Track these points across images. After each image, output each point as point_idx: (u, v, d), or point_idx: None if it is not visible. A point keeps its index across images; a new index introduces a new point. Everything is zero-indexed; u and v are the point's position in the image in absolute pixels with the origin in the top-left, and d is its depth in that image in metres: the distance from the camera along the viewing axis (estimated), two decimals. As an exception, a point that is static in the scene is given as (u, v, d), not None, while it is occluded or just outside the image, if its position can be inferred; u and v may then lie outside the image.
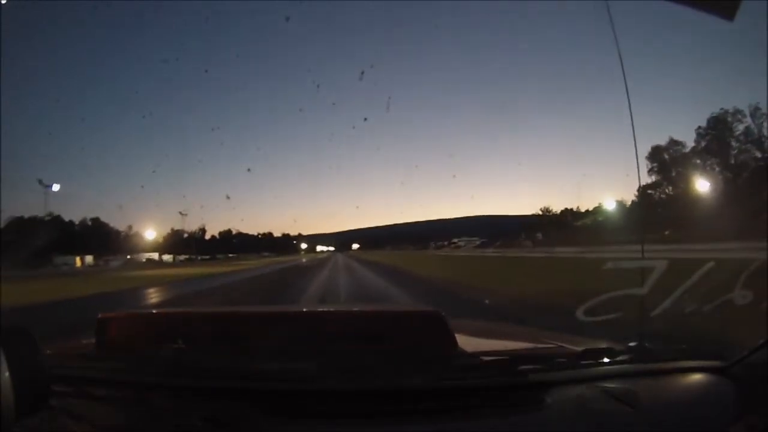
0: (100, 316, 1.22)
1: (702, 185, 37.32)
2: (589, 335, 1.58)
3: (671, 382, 1.07)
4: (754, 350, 1.05)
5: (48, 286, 16.35)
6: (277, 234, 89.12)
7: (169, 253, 58.12)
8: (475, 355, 1.14)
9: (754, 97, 35.95)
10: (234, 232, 76.64)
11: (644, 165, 41.79)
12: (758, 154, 37.24)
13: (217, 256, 63.88)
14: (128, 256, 52.93)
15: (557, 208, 59.96)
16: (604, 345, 1.21)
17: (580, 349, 1.14)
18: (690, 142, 41.00)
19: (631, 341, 1.19)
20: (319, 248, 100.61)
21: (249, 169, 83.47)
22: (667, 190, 41.80)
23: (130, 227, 54.75)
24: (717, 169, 38.29)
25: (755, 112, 36.47)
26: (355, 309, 1.86)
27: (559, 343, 1.32)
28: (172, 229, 57.35)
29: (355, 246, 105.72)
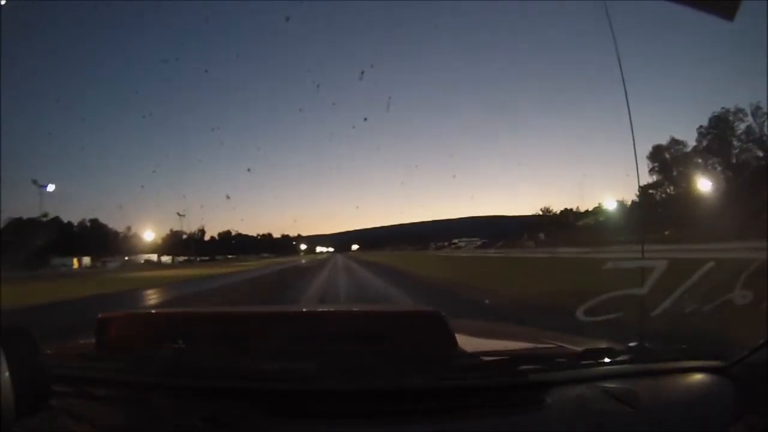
0: (100, 316, 1.22)
1: (703, 184, 37.20)
2: (588, 335, 1.58)
3: (671, 382, 1.07)
4: (754, 350, 1.05)
5: (43, 288, 16.09)
6: (276, 235, 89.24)
7: (168, 255, 58.09)
8: (475, 355, 1.14)
9: (755, 97, 36.01)
10: (233, 233, 76.74)
11: (645, 164, 41.87)
12: (760, 153, 37.21)
13: (216, 258, 63.85)
14: (126, 258, 52.87)
15: (557, 208, 60.04)
16: (604, 345, 1.21)
17: (580, 349, 1.14)
18: (691, 142, 41.03)
19: (631, 341, 1.19)
20: (318, 249, 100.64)
21: (249, 169, 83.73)
22: (668, 190, 41.74)
23: (129, 228, 54.79)
24: (718, 168, 38.24)
25: (756, 111, 36.53)
26: (355, 309, 1.86)
27: (559, 343, 1.32)
28: (171, 230, 57.38)
29: (355, 247, 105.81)
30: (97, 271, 41.84)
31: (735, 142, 38.12)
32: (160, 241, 55.43)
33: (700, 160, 40.06)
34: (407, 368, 1.02)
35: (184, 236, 59.77)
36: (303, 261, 48.06)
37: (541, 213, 60.96)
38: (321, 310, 2.16)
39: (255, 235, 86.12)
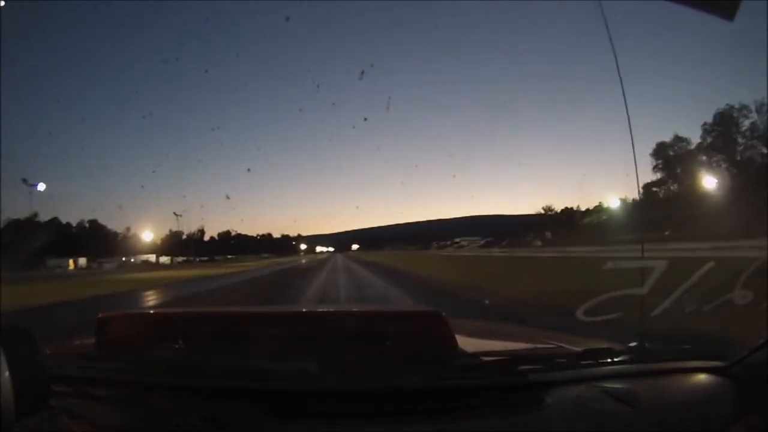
0: (100, 316, 1.22)
1: (708, 182, 36.88)
2: (596, 336, 1.57)
3: (671, 382, 1.07)
4: (754, 350, 1.05)
5: (30, 290, 15.48)
6: (276, 235, 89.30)
7: (167, 255, 58.02)
8: (475, 355, 1.14)
9: (755, 97, 35.93)
10: (233, 233, 76.73)
11: (649, 162, 41.78)
12: (764, 151, 36.99)
13: (215, 258, 63.80)
14: (123, 258, 52.75)
15: (558, 207, 59.83)
16: (604, 345, 1.21)
17: (580, 349, 1.14)
18: (694, 140, 40.85)
19: (631, 341, 1.19)
20: (318, 249, 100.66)
21: (249, 169, 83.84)
22: (672, 188, 41.59)
23: (128, 229, 54.76)
24: (723, 165, 38.00)
25: (761, 107, 36.35)
26: (355, 309, 1.86)
27: (559, 343, 1.32)
28: (171, 231, 57.33)
29: (355, 246, 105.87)
30: (92, 273, 41.50)
31: (740, 139, 38.01)
32: (159, 242, 55.47)
33: (704, 158, 39.89)
34: (407, 368, 1.02)
35: (184, 236, 59.77)
36: (303, 261, 48.02)
37: (543, 212, 60.88)
38: (321, 310, 2.16)
39: (255, 235, 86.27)
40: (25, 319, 8.46)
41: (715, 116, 39.03)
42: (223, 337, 1.20)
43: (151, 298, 14.54)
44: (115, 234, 56.15)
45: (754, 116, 37.21)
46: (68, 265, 48.03)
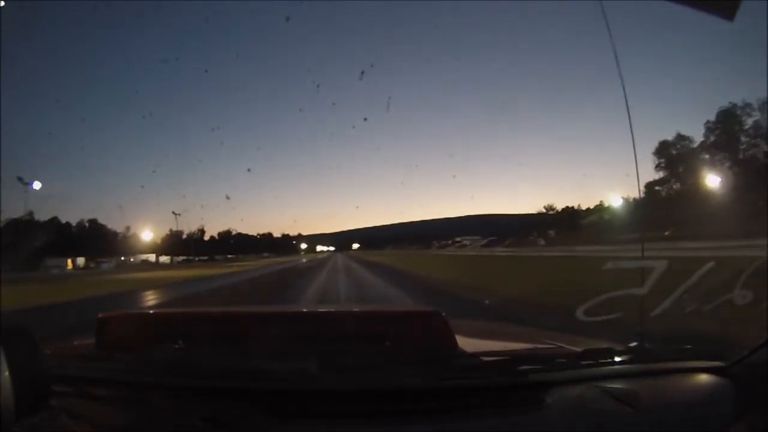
0: (100, 315, 1.22)
1: (712, 180, 36.63)
2: (596, 336, 1.57)
3: (671, 382, 1.07)
4: (754, 350, 1.05)
5: (22, 291, 14.51)
6: (276, 234, 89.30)
7: (167, 255, 58.00)
8: (475, 355, 1.14)
9: (756, 96, 35.81)
10: (233, 232, 76.73)
11: (650, 161, 41.67)
12: (767, 149, 36.83)
13: (215, 257, 63.77)
14: (122, 258, 52.60)
15: (559, 206, 59.64)
16: (604, 345, 1.21)
17: (580, 349, 1.14)
18: (697, 138, 40.67)
19: (631, 341, 1.19)
20: (319, 248, 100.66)
21: (249, 169, 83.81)
22: (675, 186, 41.37)
23: (128, 228, 54.68)
24: (726, 164, 37.83)
25: (764, 105, 36.22)
26: (355, 309, 1.87)
27: (559, 343, 1.32)
28: (171, 230, 57.32)
29: (356, 246, 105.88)
30: (90, 273, 40.98)
31: (743, 138, 37.86)
32: (159, 241, 55.44)
33: (707, 156, 39.69)
34: (407, 368, 1.02)
35: (184, 236, 59.76)
36: (303, 260, 47.94)
37: (544, 211, 60.71)
38: (321, 310, 2.16)
39: (255, 234, 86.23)
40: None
41: (718, 114, 38.96)
42: (223, 337, 1.20)
43: (142, 302, 13.73)
44: (115, 233, 56.14)
45: (758, 114, 37.18)
46: (66, 265, 47.68)
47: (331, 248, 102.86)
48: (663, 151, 41.93)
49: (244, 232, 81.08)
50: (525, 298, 7.66)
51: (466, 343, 1.18)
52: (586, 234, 39.14)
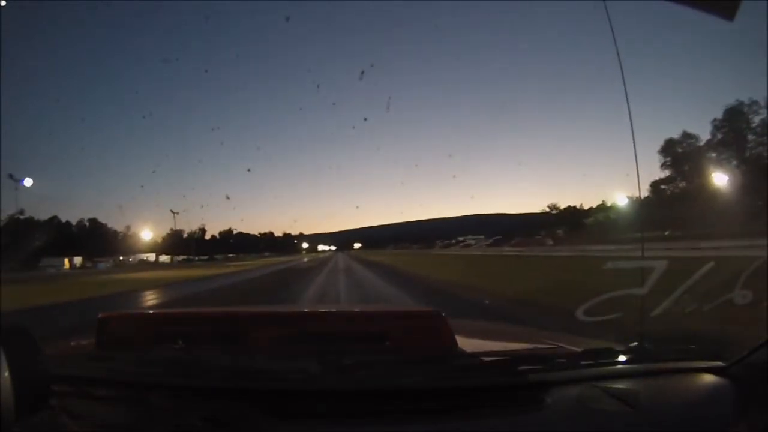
0: (100, 315, 1.22)
1: (719, 179, 35.94)
2: (597, 336, 1.57)
3: (671, 382, 1.07)
4: (754, 350, 1.05)
5: (12, 293, 13.78)
6: (278, 234, 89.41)
7: (168, 254, 57.97)
8: (475, 355, 1.14)
9: (756, 96, 35.68)
10: (234, 231, 76.76)
11: (653, 160, 41.42)
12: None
13: (215, 257, 63.75)
14: (120, 257, 52.37)
15: (561, 205, 59.44)
16: (604, 345, 1.21)
17: (580, 349, 1.14)
18: (704, 136, 40.32)
19: (631, 341, 1.19)
20: (320, 248, 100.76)
21: (249, 169, 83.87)
22: (680, 185, 41.03)
23: (128, 227, 54.61)
24: (733, 162, 37.45)
25: (769, 104, 35.70)
26: (356, 309, 1.87)
27: (559, 343, 1.32)
28: (171, 230, 57.30)
29: (357, 245, 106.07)
30: (86, 273, 40.28)
31: (750, 136, 37.53)
32: (159, 241, 55.39)
33: (713, 154, 39.30)
34: (407, 368, 1.02)
35: (185, 235, 59.75)
36: (305, 260, 47.84)
37: (548, 210, 60.49)
38: (321, 310, 2.16)
39: (256, 233, 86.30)
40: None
41: (725, 112, 38.56)
42: (223, 337, 1.20)
43: (130, 306, 12.45)
44: (115, 233, 56.09)
45: (764, 112, 36.85)
46: (63, 265, 47.05)
47: (333, 248, 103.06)
48: (669, 149, 41.64)
49: (245, 231, 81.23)
50: (551, 301, 6.64)
51: (466, 343, 1.19)
52: (593, 233, 38.65)
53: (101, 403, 1.00)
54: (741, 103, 37.56)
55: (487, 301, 8.46)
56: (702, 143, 40.40)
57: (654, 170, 41.84)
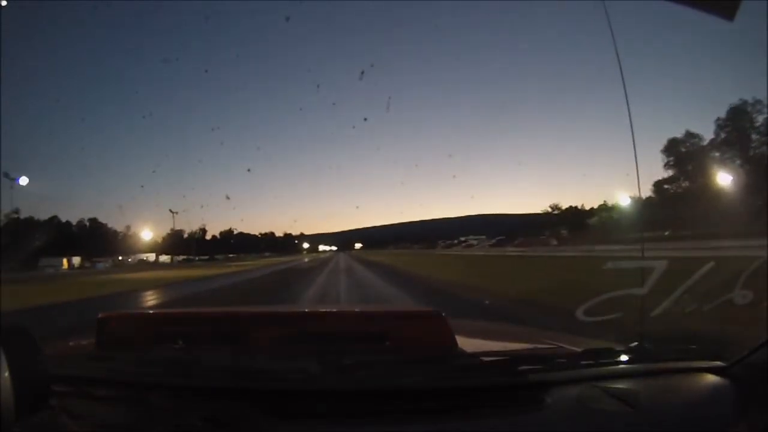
0: (100, 315, 1.22)
1: (723, 178, 35.65)
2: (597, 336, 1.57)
3: (671, 382, 1.07)
4: (754, 350, 1.05)
5: (14, 292, 13.93)
6: (278, 234, 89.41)
7: (168, 254, 57.94)
8: (475, 355, 1.14)
9: (761, 95, 35.46)
10: (235, 231, 76.76)
11: (660, 159, 41.29)
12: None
13: (216, 257, 63.73)
14: (119, 257, 52.17)
15: (563, 205, 59.19)
16: (604, 345, 1.21)
17: (580, 349, 1.14)
18: (706, 136, 40.04)
19: (631, 341, 1.19)
20: (321, 248, 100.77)
21: (249, 169, 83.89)
22: (683, 185, 40.74)
23: (128, 227, 54.55)
24: (737, 161, 37.10)
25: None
26: (356, 309, 1.87)
27: (559, 343, 1.33)
28: (172, 230, 57.29)
29: (358, 245, 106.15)
30: (84, 273, 39.94)
31: (753, 135, 37.22)
32: (160, 241, 55.36)
33: (717, 154, 38.96)
34: (407, 368, 1.03)
35: (185, 235, 59.72)
36: (305, 260, 47.78)
37: (550, 210, 60.31)
38: (321, 310, 2.16)
39: (257, 234, 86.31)
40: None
41: (728, 111, 38.30)
42: (223, 337, 1.20)
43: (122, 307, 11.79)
44: (115, 233, 56.04)
45: (767, 111, 36.50)
46: (62, 265, 46.54)
47: (334, 248, 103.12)
48: (672, 148, 41.35)
49: (245, 231, 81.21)
50: (555, 301, 6.31)
51: (466, 343, 1.19)
52: (597, 233, 38.34)
53: (101, 403, 1.00)
54: (744, 103, 37.31)
55: (487, 301, 8.42)
56: (705, 143, 40.16)
57: (655, 170, 41.76)
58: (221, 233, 75.67)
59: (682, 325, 1.61)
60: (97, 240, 52.24)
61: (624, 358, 1.12)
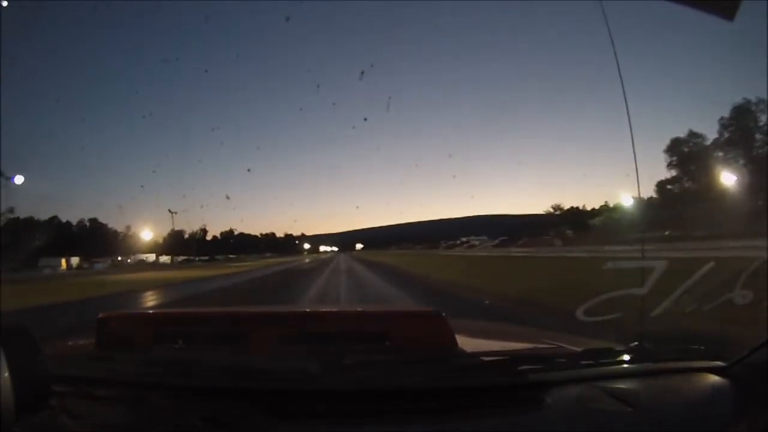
0: (100, 315, 1.22)
1: (728, 178, 35.03)
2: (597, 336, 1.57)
3: (671, 382, 1.07)
4: (754, 350, 1.05)
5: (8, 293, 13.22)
6: (279, 234, 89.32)
7: (168, 254, 57.86)
8: (475, 355, 1.14)
9: (761, 96, 35.31)
10: (236, 232, 76.73)
11: (659, 159, 41.05)
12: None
13: (216, 257, 63.66)
14: (119, 258, 51.84)
15: (566, 205, 58.89)
16: (604, 345, 1.21)
17: (580, 349, 1.14)
18: (708, 134, 39.78)
19: (631, 341, 1.19)
20: (322, 249, 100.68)
21: (249, 170, 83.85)
22: (687, 185, 40.43)
23: (128, 228, 54.35)
24: (741, 161, 36.73)
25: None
26: (356, 309, 1.87)
27: (559, 343, 1.32)
28: (173, 230, 57.21)
29: (359, 246, 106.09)
30: (82, 273, 39.34)
31: (757, 135, 36.87)
32: (160, 241, 55.25)
33: (720, 153, 38.60)
34: (407, 368, 1.02)
35: (186, 236, 59.63)
36: (306, 261, 47.77)
37: (552, 210, 60.15)
38: (321, 310, 2.16)
39: (257, 234, 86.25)
40: None
41: (732, 111, 37.93)
42: (223, 337, 1.20)
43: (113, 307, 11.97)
44: (116, 233, 55.87)
45: (769, 111, 36.14)
46: (60, 265, 45.58)
47: (335, 249, 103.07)
48: (675, 148, 41.10)
49: (246, 232, 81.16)
50: (562, 302, 5.84)
51: (466, 343, 1.19)
52: (601, 234, 38.06)
53: (101, 403, 1.00)
54: (748, 102, 36.90)
55: (486, 302, 8.39)
56: (708, 142, 39.90)
57: (656, 170, 41.63)
58: (222, 234, 75.71)
59: (682, 325, 1.61)
60: (97, 240, 52.09)
61: (624, 358, 1.12)
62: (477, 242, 68.97)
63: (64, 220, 53.96)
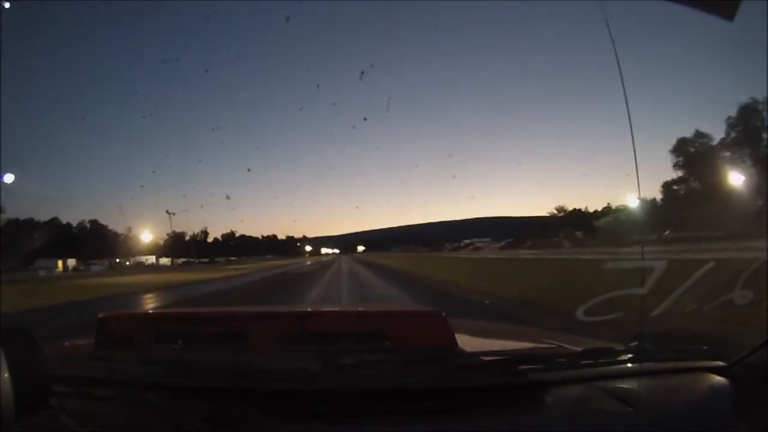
0: (100, 315, 1.22)
1: (735, 178, 34.98)
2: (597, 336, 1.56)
3: (671, 382, 1.07)
4: (754, 350, 1.05)
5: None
6: (281, 236, 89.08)
7: (168, 256, 57.79)
8: (475, 355, 1.14)
9: (756, 96, 35.22)
10: (237, 234, 76.59)
11: (662, 159, 40.75)
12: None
13: (216, 259, 63.59)
14: (116, 260, 51.63)
15: (569, 206, 58.61)
16: (604, 345, 1.21)
17: (580, 349, 1.14)
18: (709, 134, 39.25)
19: (631, 341, 1.19)
20: (324, 251, 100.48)
21: (249, 170, 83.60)
22: (693, 185, 39.85)
23: (129, 229, 54.21)
24: (748, 161, 35.89)
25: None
26: (356, 309, 1.87)
27: (559, 343, 1.32)
28: (173, 231, 57.14)
29: (361, 248, 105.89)
30: (77, 275, 38.71)
31: (765, 135, 36.28)
32: (161, 243, 55.16)
33: (728, 153, 37.79)
34: (407, 368, 1.02)
35: (187, 237, 59.51)
36: (307, 263, 47.70)
37: (555, 212, 59.88)
38: (321, 310, 2.16)
39: (258, 236, 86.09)
40: None
41: (739, 110, 37.13)
42: (223, 337, 1.20)
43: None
44: (116, 234, 55.75)
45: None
46: (56, 267, 45.49)
47: (336, 251, 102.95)
48: (681, 149, 40.53)
49: (248, 233, 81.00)
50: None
51: (466, 343, 1.18)
52: (607, 235, 37.74)
53: (101, 403, 1.00)
54: (755, 101, 36.31)
55: (486, 301, 8.32)
56: (715, 142, 39.40)
57: (657, 170, 41.46)
58: (222, 236, 75.45)
59: (682, 325, 1.61)
60: (97, 242, 52.04)
61: (624, 357, 1.12)
62: (481, 245, 68.60)
63: (64, 222, 53.95)
